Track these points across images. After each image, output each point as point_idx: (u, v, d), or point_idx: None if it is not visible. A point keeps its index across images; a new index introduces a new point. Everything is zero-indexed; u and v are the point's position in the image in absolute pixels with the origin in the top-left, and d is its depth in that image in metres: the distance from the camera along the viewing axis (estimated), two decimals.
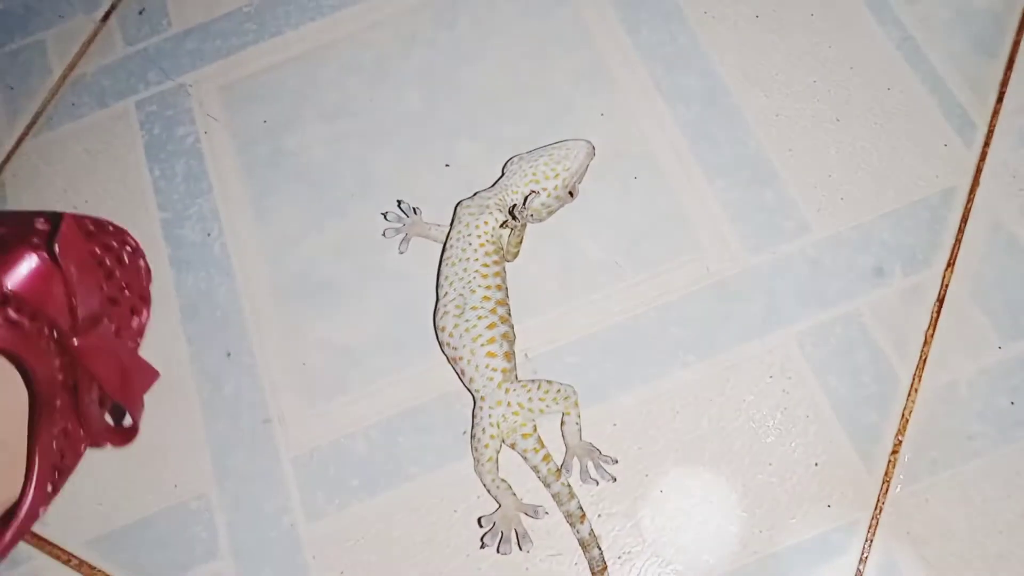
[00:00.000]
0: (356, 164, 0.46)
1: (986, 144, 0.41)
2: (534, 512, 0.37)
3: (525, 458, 0.37)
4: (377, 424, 0.40)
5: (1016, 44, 0.43)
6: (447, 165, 0.45)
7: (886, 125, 0.42)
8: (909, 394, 0.37)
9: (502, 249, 0.40)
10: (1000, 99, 0.42)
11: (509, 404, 0.37)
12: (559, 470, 0.37)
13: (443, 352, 0.39)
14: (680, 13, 0.46)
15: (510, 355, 0.38)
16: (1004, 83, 0.42)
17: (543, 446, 0.37)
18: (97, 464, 0.41)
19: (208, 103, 0.49)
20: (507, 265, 0.41)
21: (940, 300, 0.39)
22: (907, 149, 0.42)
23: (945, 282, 0.39)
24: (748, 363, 0.39)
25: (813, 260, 0.40)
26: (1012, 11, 0.43)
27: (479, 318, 0.38)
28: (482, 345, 0.37)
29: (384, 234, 0.43)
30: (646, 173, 0.43)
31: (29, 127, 0.50)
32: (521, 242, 0.40)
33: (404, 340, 0.42)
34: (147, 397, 0.42)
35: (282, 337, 0.42)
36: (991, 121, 0.41)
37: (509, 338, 0.38)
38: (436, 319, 0.39)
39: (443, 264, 0.40)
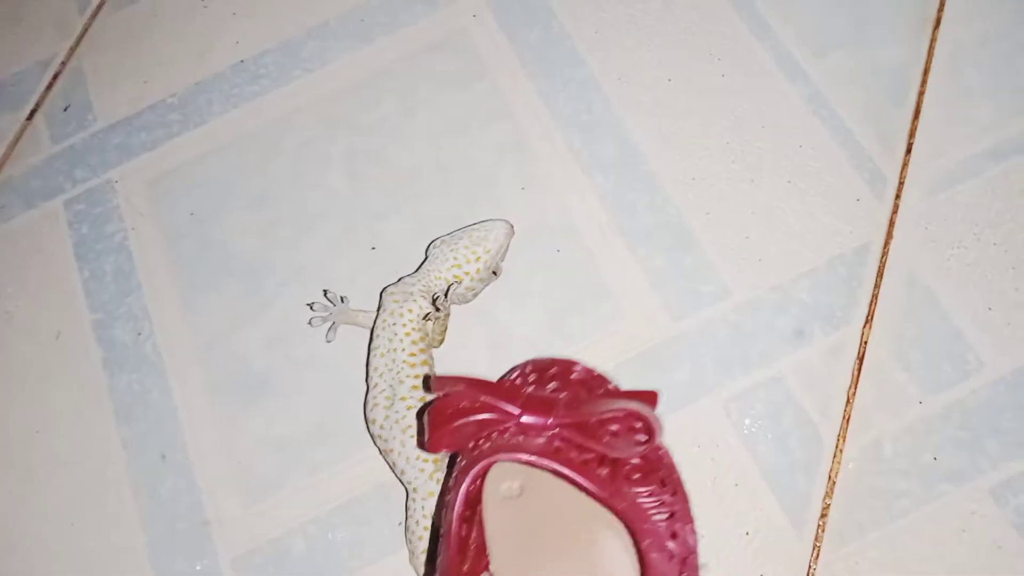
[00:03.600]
0: (284, 252, 0.46)
1: (897, 196, 0.42)
2: None
3: None
4: (314, 520, 0.40)
5: (921, 94, 0.43)
6: (373, 248, 0.45)
7: (799, 183, 0.43)
8: (835, 455, 0.38)
9: (429, 335, 0.40)
10: (909, 150, 0.42)
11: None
12: None
13: (375, 444, 0.39)
14: (595, 80, 0.47)
15: None
16: (912, 133, 0.43)
17: None
18: None
19: (135, 198, 0.49)
20: (437, 349, 0.41)
21: (860, 358, 0.39)
22: (821, 206, 0.42)
23: (864, 339, 0.39)
24: (677, 433, 0.39)
25: (735, 324, 0.41)
26: (916, 61, 0.44)
27: (408, 408, 0.38)
28: (412, 436, 0.37)
29: (311, 323, 0.43)
30: (569, 245, 0.43)
31: None
32: (446, 330, 0.41)
33: (337, 432, 0.42)
34: (82, 506, 0.42)
35: (217, 436, 0.42)
36: (901, 173, 0.42)
37: None
38: (367, 411, 0.39)
39: (371, 354, 0.40)
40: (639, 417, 0.31)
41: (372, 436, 0.39)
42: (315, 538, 0.40)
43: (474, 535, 0.31)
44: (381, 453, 0.39)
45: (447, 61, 0.49)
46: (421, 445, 0.36)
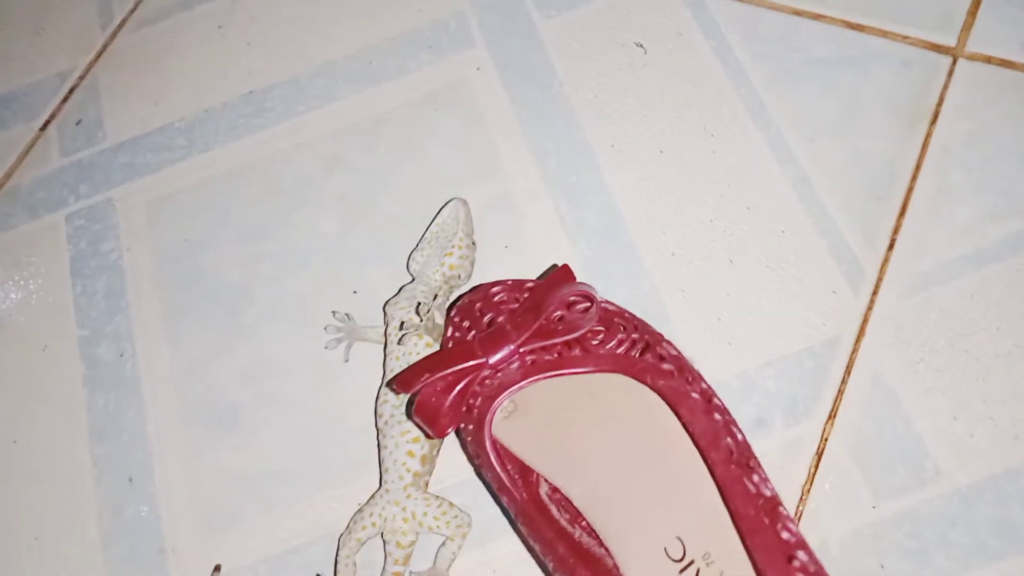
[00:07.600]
0: (268, 287, 0.47)
1: (874, 292, 0.42)
2: None
3: (386, 556, 0.39)
4: (266, 559, 0.41)
5: (909, 190, 0.43)
6: (355, 292, 0.46)
7: (777, 269, 0.43)
8: None
9: (439, 339, 0.41)
10: (891, 246, 0.42)
11: (404, 509, 0.38)
12: None
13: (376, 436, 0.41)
14: (588, 144, 0.47)
15: (427, 459, 0.39)
16: (896, 230, 0.43)
17: (407, 564, 0.38)
18: None
19: (133, 219, 0.50)
20: None
21: (818, 454, 0.39)
22: (796, 294, 0.42)
23: (824, 436, 0.39)
24: None
25: None
26: (906, 157, 0.44)
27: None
28: (407, 441, 0.39)
29: (327, 346, 0.44)
30: None
31: None
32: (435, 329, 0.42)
33: (299, 473, 0.42)
34: (47, 520, 0.43)
35: (183, 464, 0.43)
36: (880, 269, 0.42)
37: (434, 440, 0.39)
38: (376, 405, 0.41)
39: (386, 358, 0.42)
40: (573, 294, 0.36)
41: (376, 428, 0.40)
42: None
43: (509, 467, 0.35)
44: (378, 446, 0.40)
45: (446, 112, 0.50)
46: (429, 438, 0.39)
